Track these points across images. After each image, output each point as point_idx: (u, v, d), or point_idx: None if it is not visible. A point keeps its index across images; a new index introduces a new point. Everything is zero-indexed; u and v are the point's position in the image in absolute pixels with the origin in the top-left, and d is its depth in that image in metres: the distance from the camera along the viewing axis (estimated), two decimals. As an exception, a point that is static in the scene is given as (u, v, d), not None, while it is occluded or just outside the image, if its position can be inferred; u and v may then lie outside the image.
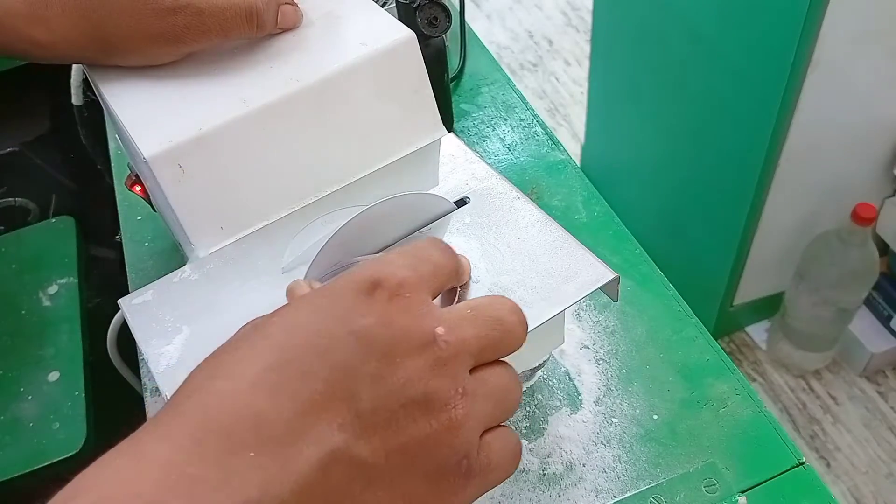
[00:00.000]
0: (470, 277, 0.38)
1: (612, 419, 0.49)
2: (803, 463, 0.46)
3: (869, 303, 1.48)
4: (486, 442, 0.30)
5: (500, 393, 0.30)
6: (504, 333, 0.31)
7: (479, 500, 0.46)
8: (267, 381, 0.27)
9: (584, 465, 0.47)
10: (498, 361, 0.31)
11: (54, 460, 0.72)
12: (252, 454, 0.25)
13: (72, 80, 0.90)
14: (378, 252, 0.44)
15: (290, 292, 0.34)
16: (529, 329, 0.39)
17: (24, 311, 0.85)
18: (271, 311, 0.42)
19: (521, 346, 0.32)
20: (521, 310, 0.32)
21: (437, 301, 0.34)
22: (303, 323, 0.29)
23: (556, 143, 0.68)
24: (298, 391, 0.26)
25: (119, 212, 0.67)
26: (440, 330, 0.28)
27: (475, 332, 0.30)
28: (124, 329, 0.45)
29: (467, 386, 0.29)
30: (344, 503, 0.26)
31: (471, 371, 0.30)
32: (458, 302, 0.35)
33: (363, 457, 0.26)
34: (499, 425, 0.31)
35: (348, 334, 0.28)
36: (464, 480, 0.29)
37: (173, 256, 0.60)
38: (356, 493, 0.27)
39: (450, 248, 0.34)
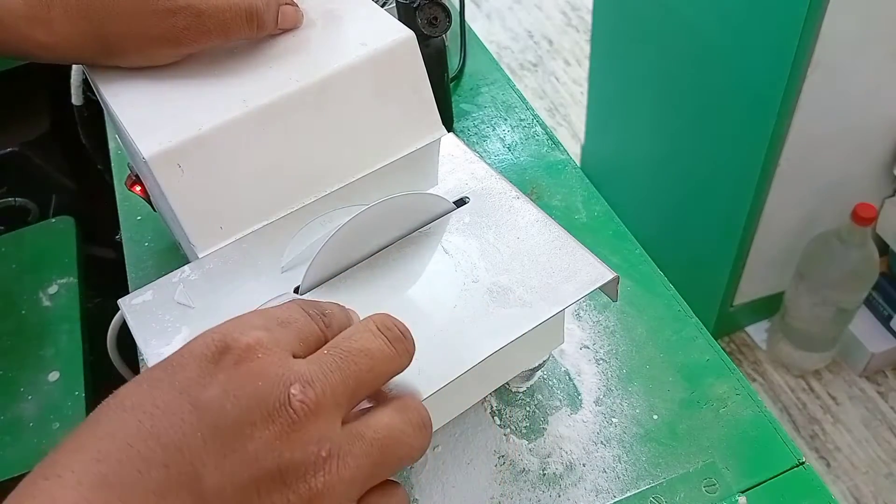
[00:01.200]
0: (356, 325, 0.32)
1: (612, 419, 0.49)
2: (803, 463, 0.46)
3: (869, 303, 1.48)
4: None
5: (383, 443, 0.27)
6: (373, 364, 0.28)
7: (477, 499, 0.46)
8: (95, 475, 0.24)
9: (584, 465, 0.47)
10: (384, 403, 0.29)
11: (54, 460, 0.72)
12: None
13: (72, 80, 0.90)
14: (377, 252, 0.44)
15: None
16: (530, 328, 0.39)
17: (24, 311, 0.85)
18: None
19: (404, 366, 0.29)
20: (392, 325, 0.29)
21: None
22: (139, 402, 0.26)
23: (556, 143, 0.68)
24: (132, 482, 0.24)
25: (119, 212, 0.67)
26: (294, 389, 0.26)
27: (338, 378, 0.27)
28: (124, 329, 0.45)
29: (334, 446, 0.26)
30: None
31: (351, 419, 0.27)
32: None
33: None
34: (387, 481, 0.28)
35: (190, 410, 0.25)
36: None
37: (173, 256, 0.60)
38: None
39: (315, 304, 0.31)
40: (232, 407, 0.25)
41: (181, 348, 0.28)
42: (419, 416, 0.29)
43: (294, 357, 0.27)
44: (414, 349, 0.30)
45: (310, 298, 0.35)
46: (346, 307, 0.32)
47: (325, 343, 0.29)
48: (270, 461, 0.25)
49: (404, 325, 0.30)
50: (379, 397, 0.30)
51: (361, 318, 0.31)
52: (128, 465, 0.24)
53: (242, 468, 0.25)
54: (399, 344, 0.29)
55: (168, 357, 0.28)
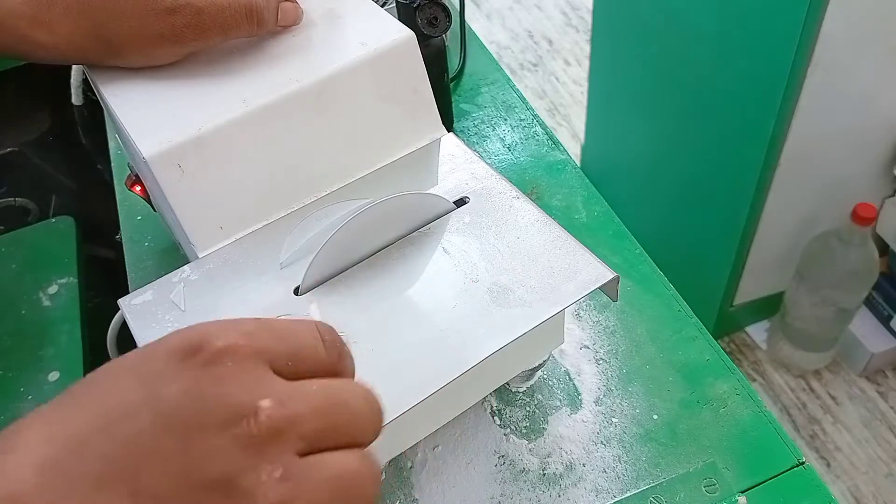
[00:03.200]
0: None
1: (612, 419, 0.49)
2: (803, 463, 0.46)
3: (869, 303, 1.48)
4: None
5: (340, 483, 0.25)
6: (349, 419, 0.27)
7: (477, 499, 0.46)
8: (42, 456, 0.24)
9: (584, 465, 0.47)
10: (345, 447, 0.27)
11: (54, 460, 0.72)
12: None
13: (72, 80, 0.90)
14: (377, 252, 0.44)
15: None
16: (530, 328, 0.39)
17: (24, 311, 0.85)
18: (271, 310, 0.42)
19: (370, 440, 0.28)
20: (377, 400, 0.28)
21: None
22: (102, 389, 0.26)
23: (556, 143, 0.68)
24: (70, 469, 0.23)
25: (119, 212, 0.66)
26: (266, 403, 0.24)
27: (313, 411, 0.25)
28: (124, 329, 0.44)
29: (291, 470, 0.24)
30: None
31: (304, 455, 0.26)
32: None
33: None
34: None
35: (145, 404, 0.24)
36: None
37: (173, 256, 0.60)
38: None
39: (337, 338, 0.29)
40: (188, 407, 0.24)
41: (161, 338, 0.27)
42: (372, 462, 0.28)
43: (276, 373, 0.26)
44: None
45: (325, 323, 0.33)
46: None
47: (307, 364, 0.28)
48: (218, 469, 0.24)
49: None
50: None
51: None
52: (72, 452, 0.24)
53: (186, 472, 0.24)
54: (376, 418, 0.28)
55: (147, 344, 0.27)
